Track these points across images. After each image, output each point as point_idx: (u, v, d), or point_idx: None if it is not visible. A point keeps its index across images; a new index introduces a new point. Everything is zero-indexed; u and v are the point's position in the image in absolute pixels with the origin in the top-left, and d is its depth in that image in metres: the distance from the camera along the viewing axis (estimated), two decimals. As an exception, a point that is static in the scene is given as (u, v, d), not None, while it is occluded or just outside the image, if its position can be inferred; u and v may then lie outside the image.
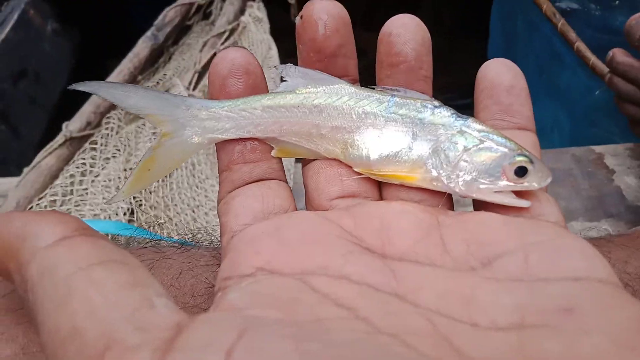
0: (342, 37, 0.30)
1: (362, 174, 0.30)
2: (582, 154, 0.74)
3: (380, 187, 0.31)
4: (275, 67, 0.33)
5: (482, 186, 0.29)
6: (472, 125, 0.30)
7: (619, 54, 0.70)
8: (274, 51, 0.92)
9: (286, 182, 0.31)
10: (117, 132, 0.62)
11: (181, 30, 0.79)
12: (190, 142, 0.31)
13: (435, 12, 1.73)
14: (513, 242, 0.25)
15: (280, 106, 0.31)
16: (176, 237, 0.52)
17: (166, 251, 0.35)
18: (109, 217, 0.51)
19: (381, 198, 0.31)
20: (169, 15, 0.74)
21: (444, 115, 0.30)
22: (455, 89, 1.62)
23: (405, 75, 0.30)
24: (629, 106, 0.71)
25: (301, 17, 0.30)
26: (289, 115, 0.31)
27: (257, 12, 0.90)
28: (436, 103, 0.31)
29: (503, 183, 0.29)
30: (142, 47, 0.69)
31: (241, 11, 0.88)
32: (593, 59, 0.83)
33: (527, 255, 0.24)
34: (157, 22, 0.74)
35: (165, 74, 0.76)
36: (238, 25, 0.79)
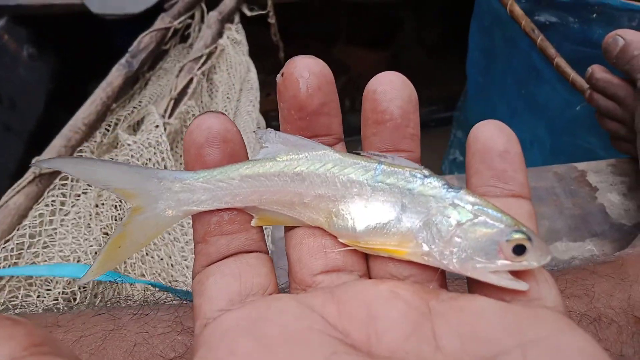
0: (324, 95, 0.29)
1: (348, 246, 0.29)
2: (564, 172, 0.74)
3: (368, 259, 0.29)
4: (254, 132, 0.31)
5: (478, 265, 0.27)
6: (465, 198, 0.28)
7: (597, 71, 0.70)
8: (253, 73, 0.91)
9: (267, 252, 0.30)
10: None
11: (157, 55, 0.78)
12: (164, 216, 0.30)
13: (418, 28, 1.74)
14: (511, 340, 0.23)
15: (260, 175, 0.30)
16: (149, 278, 0.50)
17: (122, 318, 0.33)
18: (79, 260, 0.49)
19: (368, 271, 0.29)
20: (144, 42, 0.73)
21: (435, 185, 0.29)
22: (439, 102, 1.63)
23: (392, 133, 0.29)
24: (610, 122, 0.71)
25: (282, 75, 0.29)
26: (269, 185, 0.30)
27: (235, 35, 0.89)
28: (426, 172, 0.29)
29: (500, 262, 0.27)
30: (115, 76, 0.68)
31: (219, 34, 0.87)
32: (573, 74, 0.83)
33: (525, 356, 0.22)
34: (132, 48, 0.72)
35: (140, 102, 0.74)
36: (216, 48, 0.78)
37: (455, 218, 0.28)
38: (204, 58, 0.74)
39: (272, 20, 1.05)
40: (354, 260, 0.29)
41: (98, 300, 0.51)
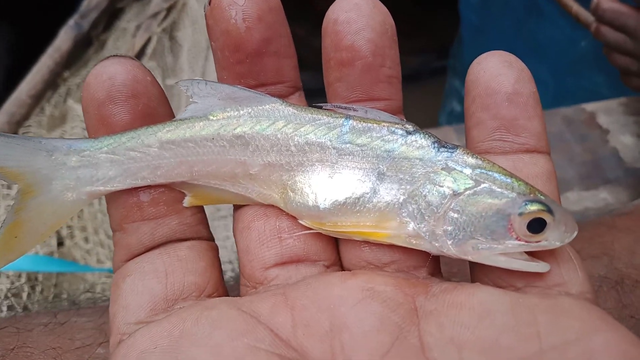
0: (268, 28, 0.22)
1: (311, 229, 0.23)
2: (572, 115, 0.67)
3: (338, 244, 0.23)
4: (177, 83, 0.24)
5: (481, 246, 0.21)
6: (462, 159, 0.22)
7: (604, 0, 0.63)
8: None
9: (208, 237, 0.24)
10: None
11: (113, 14, 0.70)
12: (63, 200, 0.23)
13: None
14: (527, 347, 0.18)
15: (187, 140, 0.23)
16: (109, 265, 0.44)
17: (32, 330, 0.27)
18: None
19: (340, 259, 0.23)
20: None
21: (421, 144, 0.23)
22: (432, 50, 1.54)
23: (362, 77, 0.22)
24: (620, 57, 0.64)
25: (209, 4, 0.22)
26: (201, 152, 0.23)
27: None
28: (409, 127, 0.23)
29: (511, 242, 0.21)
30: (63, 39, 0.60)
31: (181, -15, 0.79)
32: (576, 6, 0.76)
33: None
34: (81, 8, 0.64)
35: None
36: (177, 1, 0.70)
37: (450, 186, 0.22)
38: (163, 13, 0.66)
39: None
40: (318, 247, 0.23)
41: (65, 295, 0.45)
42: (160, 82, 0.70)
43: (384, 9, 0.22)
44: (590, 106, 0.68)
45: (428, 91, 1.23)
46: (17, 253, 0.23)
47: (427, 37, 1.29)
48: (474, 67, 0.23)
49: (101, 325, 0.28)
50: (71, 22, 0.63)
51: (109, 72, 0.22)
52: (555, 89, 0.92)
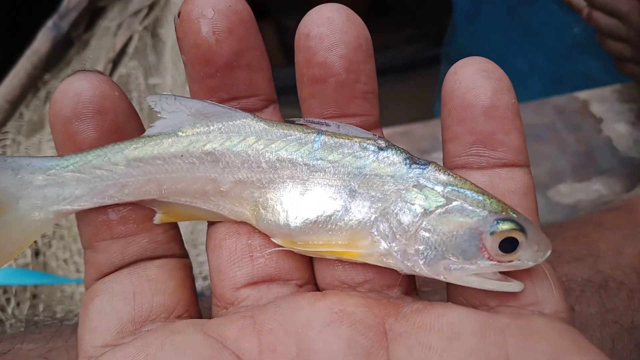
0: (239, 41, 0.21)
1: (282, 247, 0.22)
2: (564, 104, 0.65)
3: (312, 262, 0.23)
4: (146, 98, 0.24)
5: (453, 267, 0.21)
6: (434, 176, 0.22)
7: None
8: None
9: (182, 255, 0.23)
10: (17, 150, 0.53)
11: (94, 13, 0.69)
12: (30, 219, 0.23)
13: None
14: None
15: (155, 157, 0.23)
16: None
17: None
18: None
19: (313, 278, 0.23)
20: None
21: (393, 161, 0.22)
22: (427, 39, 1.52)
23: (336, 94, 0.22)
24: (613, 43, 0.62)
25: (179, 16, 0.22)
26: (169, 170, 0.23)
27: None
28: (381, 142, 0.22)
29: (483, 262, 0.21)
30: (41, 41, 0.59)
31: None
32: (568, -9, 0.74)
33: None
34: (61, 8, 0.63)
35: (81, 67, 0.66)
36: (160, -1, 0.68)
37: (421, 204, 0.21)
38: (145, 11, 0.64)
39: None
40: (290, 266, 0.22)
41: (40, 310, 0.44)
42: (142, 81, 0.68)
43: (358, 21, 0.21)
44: (583, 94, 0.66)
45: (424, 80, 1.22)
46: None
47: (421, 26, 1.27)
48: (450, 78, 0.22)
49: (47, 353, 0.28)
50: (49, 23, 0.62)
51: (75, 88, 0.21)
52: (553, 74, 0.90)
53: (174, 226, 0.24)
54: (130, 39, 0.63)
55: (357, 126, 0.23)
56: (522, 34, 0.89)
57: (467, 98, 0.21)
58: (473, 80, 0.21)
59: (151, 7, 0.67)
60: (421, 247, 0.21)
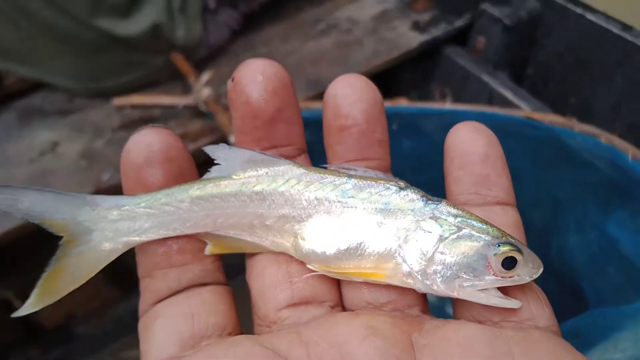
0: (281, 100, 0.26)
1: (317, 272, 0.26)
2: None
3: (340, 286, 0.27)
4: (203, 148, 0.27)
5: (465, 284, 0.25)
6: (446, 209, 0.26)
7: None
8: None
9: (225, 283, 0.27)
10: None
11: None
12: (100, 249, 0.26)
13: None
14: None
15: (214, 196, 0.27)
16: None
17: None
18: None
19: (342, 299, 0.26)
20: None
21: (412, 198, 0.26)
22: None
23: (358, 141, 0.27)
24: None
25: (232, 80, 0.26)
26: (224, 206, 0.27)
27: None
28: (401, 184, 0.27)
29: (490, 278, 0.25)
30: None
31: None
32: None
33: None
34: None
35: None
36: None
37: (437, 232, 0.26)
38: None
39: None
40: (324, 289, 0.26)
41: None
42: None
43: (374, 87, 0.27)
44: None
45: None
46: (55, 297, 0.26)
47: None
48: (452, 135, 0.27)
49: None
50: None
51: (147, 140, 0.25)
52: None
53: (219, 258, 0.27)
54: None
55: (374, 169, 0.27)
56: None
57: (466, 148, 0.26)
58: (470, 135, 0.26)
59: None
60: (439, 267, 0.25)
